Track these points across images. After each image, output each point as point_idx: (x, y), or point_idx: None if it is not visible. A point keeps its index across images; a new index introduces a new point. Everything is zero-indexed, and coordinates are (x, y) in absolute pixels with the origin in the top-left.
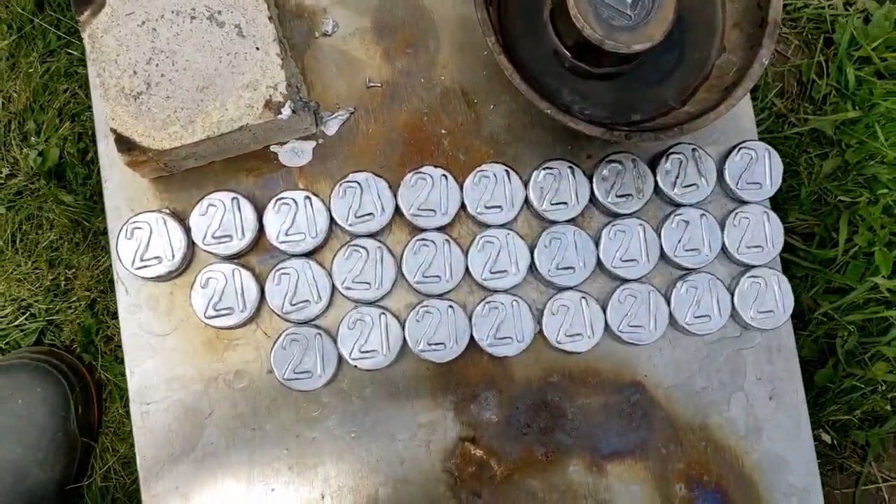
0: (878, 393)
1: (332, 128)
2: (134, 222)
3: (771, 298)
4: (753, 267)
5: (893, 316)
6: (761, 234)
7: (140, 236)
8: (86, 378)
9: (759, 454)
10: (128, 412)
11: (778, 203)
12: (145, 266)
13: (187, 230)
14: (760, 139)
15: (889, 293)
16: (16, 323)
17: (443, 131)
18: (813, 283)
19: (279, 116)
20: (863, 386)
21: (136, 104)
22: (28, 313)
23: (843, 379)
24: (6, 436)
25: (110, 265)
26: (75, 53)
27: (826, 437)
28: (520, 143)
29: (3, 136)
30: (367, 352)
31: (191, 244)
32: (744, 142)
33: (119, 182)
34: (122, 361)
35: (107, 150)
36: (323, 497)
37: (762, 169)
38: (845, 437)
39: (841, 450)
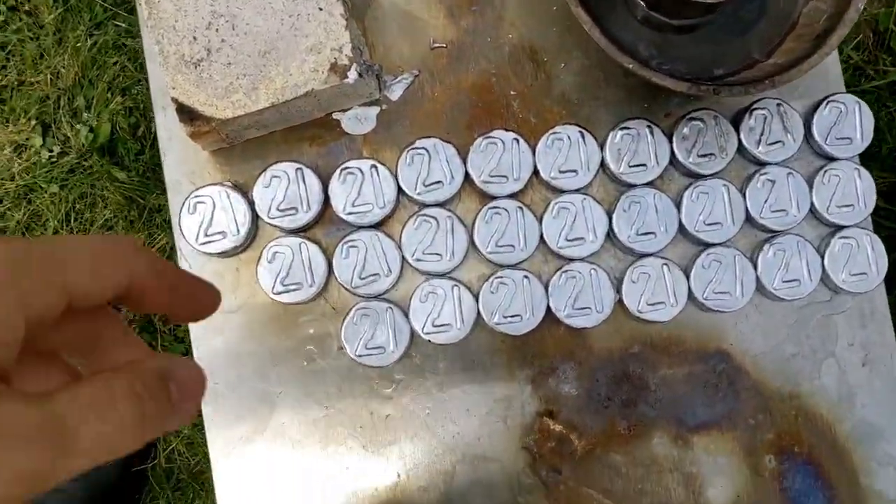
0: None
1: (396, 92)
2: (196, 196)
3: (863, 260)
4: (844, 227)
5: None
6: (852, 192)
7: (203, 211)
8: None
9: (852, 423)
10: None
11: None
12: (209, 241)
13: (251, 203)
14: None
15: None
16: None
17: (512, 93)
18: None
19: (345, 80)
20: None
21: (197, 72)
22: None
23: None
24: None
25: (167, 242)
26: (123, 25)
27: None
28: (594, 102)
29: (52, 112)
30: (441, 325)
31: (255, 218)
32: (832, 94)
33: (179, 155)
34: (182, 341)
35: (165, 122)
36: (399, 475)
37: (852, 123)
38: None
39: None
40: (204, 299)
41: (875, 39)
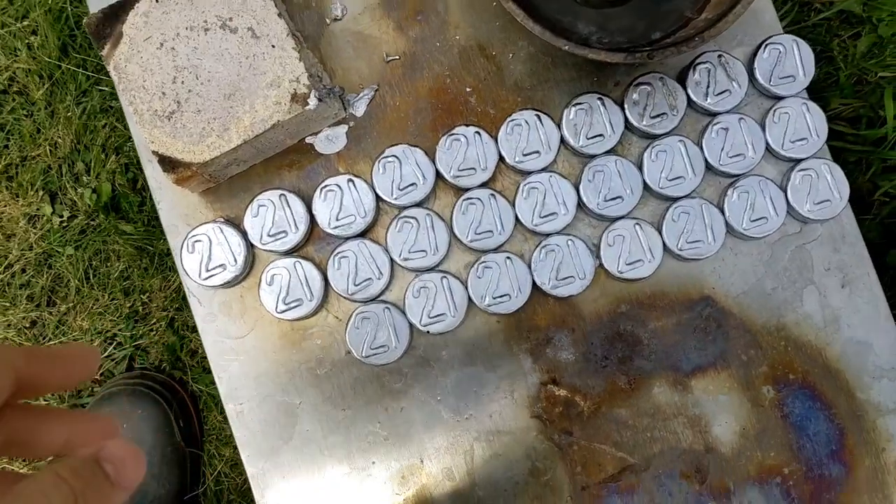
0: None
1: (360, 108)
2: (193, 236)
3: (825, 188)
4: (801, 160)
5: None
6: (804, 125)
7: (201, 248)
8: (180, 393)
9: (840, 343)
10: (225, 418)
11: (816, 92)
12: (211, 275)
13: (244, 234)
14: (786, 32)
15: None
16: (105, 354)
17: (468, 90)
18: (868, 165)
19: (307, 107)
20: None
21: (171, 123)
22: (115, 342)
23: None
24: None
25: (180, 283)
26: (106, 89)
27: None
28: (545, 85)
29: (56, 181)
30: (436, 316)
31: (249, 247)
32: (769, 37)
33: (171, 201)
34: (209, 371)
35: (154, 173)
36: (422, 461)
37: (792, 61)
38: None
39: None
40: (81, 360)
41: None
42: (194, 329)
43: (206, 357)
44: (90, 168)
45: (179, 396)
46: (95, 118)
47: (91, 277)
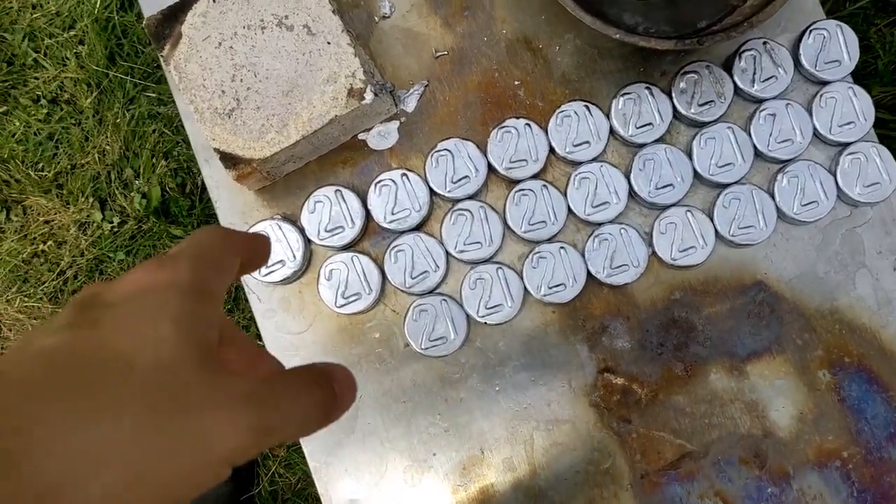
0: None
1: (410, 104)
2: None
3: (874, 171)
4: (850, 144)
5: None
6: (850, 110)
7: None
8: None
9: (895, 325)
10: None
11: (857, 80)
12: (271, 272)
13: (301, 230)
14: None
15: None
16: None
17: (516, 83)
18: None
19: (363, 102)
20: None
21: (231, 120)
22: None
23: None
24: None
25: (231, 285)
26: (153, 95)
27: None
28: (592, 76)
29: (106, 188)
30: (493, 307)
31: (307, 242)
32: (813, 23)
33: (228, 200)
34: None
35: (211, 172)
36: (483, 451)
37: (837, 46)
38: None
39: None
40: (265, 247)
41: None
42: (246, 329)
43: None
44: (139, 174)
45: None
46: (143, 124)
47: None
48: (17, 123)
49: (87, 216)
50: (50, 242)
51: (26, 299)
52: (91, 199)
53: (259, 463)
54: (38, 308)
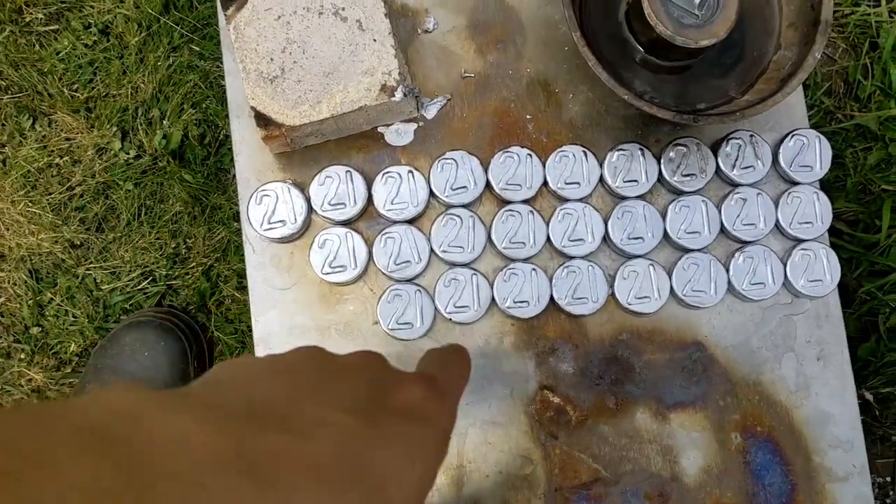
0: None
1: (431, 112)
2: (263, 190)
3: (820, 269)
4: (804, 241)
5: None
6: (812, 211)
7: (268, 202)
8: (200, 336)
9: (807, 409)
10: None
11: (825, 190)
12: (271, 228)
13: (307, 198)
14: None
15: None
16: (140, 287)
17: (528, 117)
18: (858, 264)
19: (392, 98)
20: None
21: (273, 86)
22: (151, 278)
23: (885, 354)
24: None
25: (224, 236)
26: (197, 49)
27: (868, 396)
28: (596, 127)
29: (131, 121)
30: (460, 307)
31: (310, 210)
32: (796, 129)
33: (248, 156)
34: (231, 322)
35: (239, 128)
36: None
37: (813, 154)
38: (887, 408)
39: (883, 420)
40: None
41: (845, 88)
42: (227, 280)
43: (230, 308)
44: (165, 115)
45: (199, 340)
46: (181, 73)
47: (142, 214)
48: (66, 43)
49: (107, 142)
50: (66, 158)
51: (31, 205)
52: (114, 129)
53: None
54: (38, 215)
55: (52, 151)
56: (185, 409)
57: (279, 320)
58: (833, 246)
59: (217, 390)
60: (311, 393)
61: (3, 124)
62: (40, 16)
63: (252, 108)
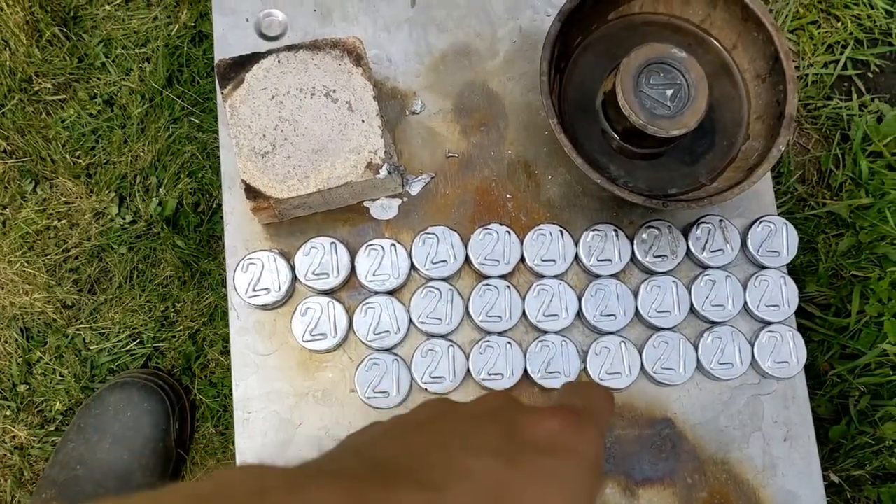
0: (888, 451)
1: (415, 188)
2: (249, 258)
3: (786, 351)
4: (771, 323)
5: None
6: (779, 295)
7: (253, 270)
8: (183, 399)
9: (773, 489)
10: (217, 431)
11: (798, 275)
12: (256, 296)
13: (292, 268)
14: (783, 217)
15: None
16: (127, 348)
17: (508, 196)
18: (829, 347)
19: (377, 176)
20: (874, 443)
21: (264, 161)
22: (139, 340)
23: (856, 436)
24: (117, 443)
25: (212, 301)
26: (196, 121)
27: (834, 478)
28: (572, 208)
29: (129, 188)
30: (436, 377)
31: (294, 279)
32: (765, 216)
33: (238, 226)
34: (214, 385)
35: (230, 198)
36: None
37: (780, 239)
38: (859, 491)
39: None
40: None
41: (818, 176)
42: (213, 344)
43: (213, 372)
44: (162, 183)
45: (182, 402)
46: (180, 143)
47: (134, 277)
48: (71, 112)
49: (105, 207)
50: (64, 221)
51: (26, 265)
52: (113, 194)
53: (187, 467)
54: (33, 275)
55: (52, 214)
56: (311, 479)
57: (259, 385)
58: (805, 329)
59: (343, 457)
60: (443, 445)
61: (6, 187)
62: (49, 85)
63: (243, 181)
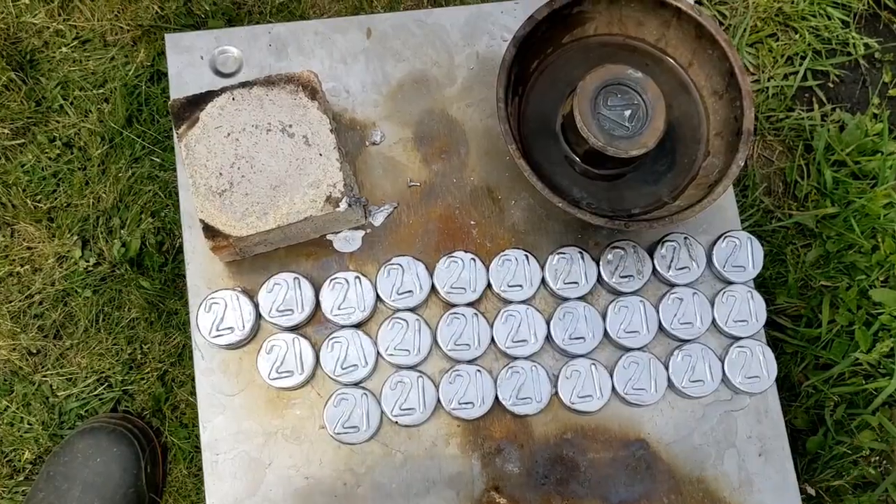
0: (865, 460)
1: (378, 219)
2: (212, 298)
3: (756, 366)
4: (740, 338)
5: (875, 388)
6: (746, 310)
7: (216, 310)
8: (154, 441)
9: None
10: (189, 473)
11: (768, 287)
12: (220, 335)
13: (256, 305)
14: (751, 232)
15: (870, 367)
16: (95, 392)
17: (472, 222)
18: (802, 358)
19: (337, 209)
20: (851, 452)
21: (221, 199)
22: (106, 384)
23: (834, 446)
24: (87, 490)
25: (180, 341)
26: (157, 160)
27: (811, 490)
28: (537, 232)
29: (92, 230)
30: (406, 409)
31: (258, 317)
32: (729, 231)
33: (199, 265)
34: (186, 426)
35: (191, 238)
36: None
37: (745, 254)
38: (839, 501)
39: None
40: None
41: (784, 188)
42: (182, 384)
43: (184, 413)
44: (125, 224)
45: (153, 445)
46: (141, 183)
47: (100, 321)
48: (30, 156)
49: (68, 251)
50: (27, 266)
51: None
52: (75, 238)
53: None
54: None
55: (14, 260)
56: None
57: (226, 426)
58: (777, 341)
59: None
60: None
61: None
62: (6, 130)
63: (201, 220)
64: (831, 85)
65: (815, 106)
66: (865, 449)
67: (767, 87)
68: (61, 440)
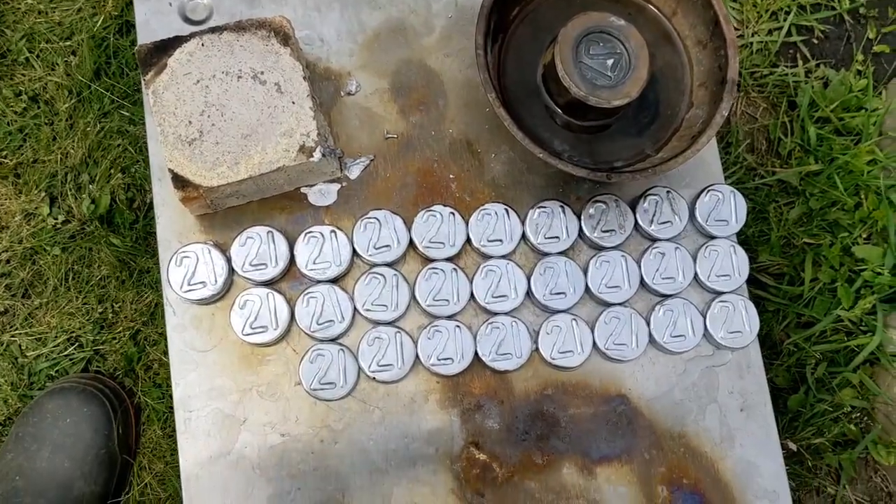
0: (846, 417)
1: (354, 172)
2: (183, 252)
3: (739, 320)
4: (722, 293)
5: (857, 345)
6: (729, 264)
7: (188, 264)
8: (126, 402)
9: (732, 460)
10: (164, 434)
11: (750, 245)
12: (191, 290)
13: (228, 259)
14: (732, 187)
15: (851, 324)
16: (66, 353)
17: (451, 176)
18: (784, 316)
19: (311, 159)
20: (832, 410)
21: (191, 149)
22: (77, 344)
23: (815, 404)
24: (56, 451)
25: (152, 300)
26: (127, 114)
27: (792, 446)
28: (517, 186)
29: (60, 186)
30: (384, 366)
31: (231, 271)
32: (712, 185)
33: (170, 218)
34: (159, 386)
35: (161, 190)
36: (343, 495)
37: (728, 208)
38: (819, 459)
39: (816, 472)
40: None
41: (767, 145)
42: (155, 344)
43: (158, 373)
44: (94, 180)
45: (125, 405)
46: (111, 138)
47: (70, 279)
48: None
49: (36, 208)
50: None
51: None
52: (43, 194)
53: (134, 472)
54: None
55: None
56: None
57: (199, 383)
58: (759, 299)
59: None
60: None
61: None
62: None
63: (170, 170)
64: (815, 41)
65: (800, 62)
66: (846, 406)
67: (752, 43)
68: (31, 401)
